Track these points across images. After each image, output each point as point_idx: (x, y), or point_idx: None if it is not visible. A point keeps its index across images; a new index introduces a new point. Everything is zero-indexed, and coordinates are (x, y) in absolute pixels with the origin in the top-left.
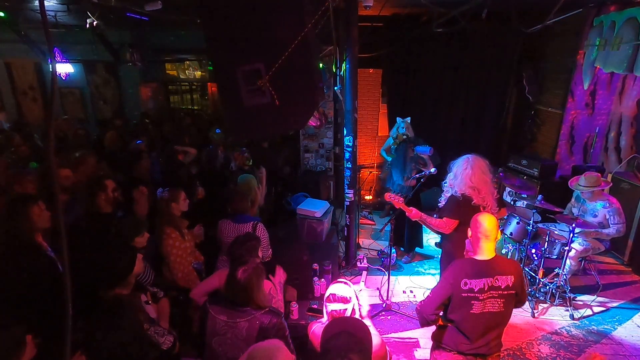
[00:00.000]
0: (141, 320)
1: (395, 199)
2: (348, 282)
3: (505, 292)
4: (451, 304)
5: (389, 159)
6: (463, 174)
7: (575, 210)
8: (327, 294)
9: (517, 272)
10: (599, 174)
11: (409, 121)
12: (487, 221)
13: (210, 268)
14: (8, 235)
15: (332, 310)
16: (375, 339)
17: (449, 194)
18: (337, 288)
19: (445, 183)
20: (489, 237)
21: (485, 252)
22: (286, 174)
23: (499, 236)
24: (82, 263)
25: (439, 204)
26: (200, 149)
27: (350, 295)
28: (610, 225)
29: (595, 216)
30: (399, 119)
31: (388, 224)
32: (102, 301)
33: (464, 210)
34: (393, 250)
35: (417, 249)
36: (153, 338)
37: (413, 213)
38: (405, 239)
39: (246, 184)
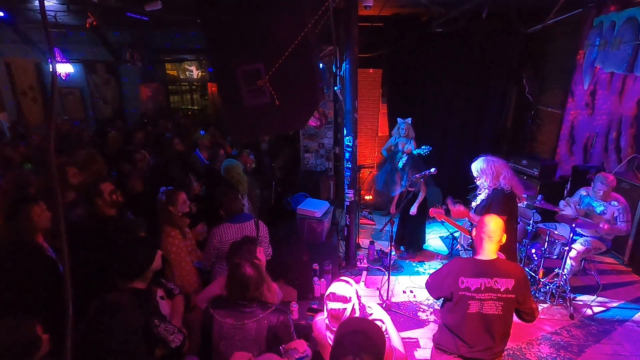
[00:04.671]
0: (140, 322)
1: (438, 213)
2: (350, 280)
3: (505, 296)
4: (449, 303)
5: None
6: (506, 171)
7: (571, 209)
8: (327, 292)
9: (519, 276)
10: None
11: (409, 122)
12: (492, 222)
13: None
14: (9, 236)
15: (331, 308)
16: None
17: (491, 191)
18: (338, 287)
19: (480, 183)
20: (492, 237)
21: (487, 252)
22: (286, 174)
23: (504, 239)
24: (102, 256)
25: (477, 204)
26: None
27: (350, 295)
28: (618, 223)
29: (604, 213)
30: (399, 120)
31: (388, 223)
32: (100, 302)
33: (511, 204)
34: (393, 251)
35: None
36: (162, 335)
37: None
38: (409, 240)
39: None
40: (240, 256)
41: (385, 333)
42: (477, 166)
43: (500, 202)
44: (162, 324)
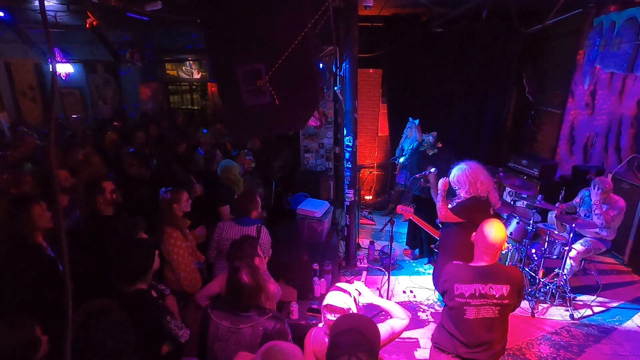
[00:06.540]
0: (131, 326)
1: (406, 211)
2: (348, 288)
3: (500, 302)
4: (445, 308)
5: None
6: (482, 176)
7: (580, 210)
8: (324, 302)
9: (514, 282)
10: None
11: (417, 123)
12: (494, 234)
13: (210, 268)
14: (9, 236)
15: (329, 319)
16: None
17: (468, 197)
18: (335, 298)
19: (458, 192)
20: (490, 251)
21: (485, 259)
22: (286, 174)
23: (505, 247)
24: (103, 259)
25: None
26: (194, 148)
27: (349, 306)
28: (596, 216)
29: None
30: (410, 119)
31: (388, 223)
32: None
33: (483, 213)
34: (393, 249)
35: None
36: (173, 331)
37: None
38: (424, 243)
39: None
40: (242, 258)
41: (382, 316)
42: (454, 176)
43: (474, 208)
44: (173, 321)
